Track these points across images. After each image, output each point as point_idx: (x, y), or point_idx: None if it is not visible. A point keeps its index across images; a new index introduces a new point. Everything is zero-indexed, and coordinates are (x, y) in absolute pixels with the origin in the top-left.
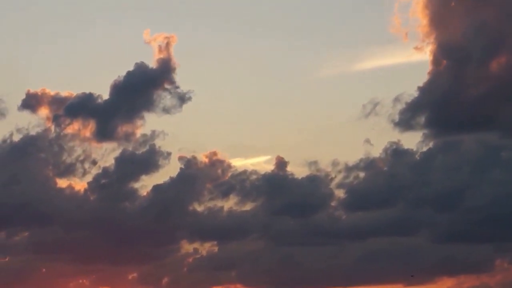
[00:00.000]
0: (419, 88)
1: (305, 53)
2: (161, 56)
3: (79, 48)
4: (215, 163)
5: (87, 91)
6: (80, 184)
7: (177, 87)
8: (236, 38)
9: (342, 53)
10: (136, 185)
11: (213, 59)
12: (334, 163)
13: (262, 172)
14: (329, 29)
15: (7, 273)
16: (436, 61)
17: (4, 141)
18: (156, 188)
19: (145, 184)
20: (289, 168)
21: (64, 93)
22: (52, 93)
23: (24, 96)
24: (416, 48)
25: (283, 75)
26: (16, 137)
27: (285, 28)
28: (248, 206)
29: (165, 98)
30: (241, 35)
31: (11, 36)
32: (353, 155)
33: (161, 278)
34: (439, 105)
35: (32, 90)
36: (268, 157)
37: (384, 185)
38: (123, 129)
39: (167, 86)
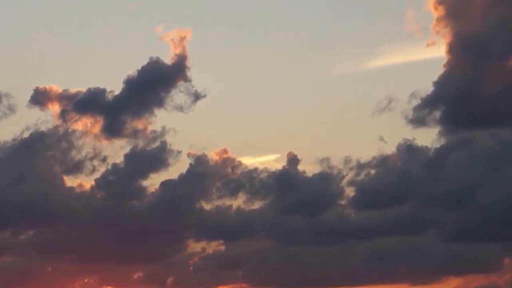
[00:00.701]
0: (434, 83)
1: (318, 50)
2: (175, 52)
3: (92, 44)
4: (225, 161)
5: (98, 86)
6: (87, 182)
7: (191, 84)
8: (250, 34)
9: (356, 50)
10: (145, 182)
11: (227, 56)
12: (347, 160)
13: (272, 170)
14: (342, 27)
15: (12, 272)
16: (451, 55)
17: (15, 139)
18: (164, 185)
19: (153, 182)
20: (300, 165)
21: (74, 90)
22: (62, 89)
23: (33, 92)
24: (431, 43)
25: (297, 72)
26: (25, 134)
27: (299, 25)
28: (257, 205)
29: (178, 95)
30: (255, 32)
31: (21, 31)
32: (366, 152)
33: (166, 278)
34: (454, 100)
35: (41, 86)
36: (278, 155)
37: (395, 183)
38: (133, 125)
39: (180, 82)
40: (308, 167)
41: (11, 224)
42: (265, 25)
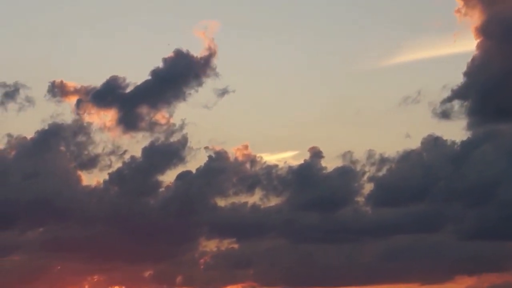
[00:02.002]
0: (463, 75)
1: (345, 44)
2: (201, 44)
3: (117, 36)
4: (243, 157)
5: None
6: (101, 177)
7: (215, 78)
8: (274, 30)
9: (381, 45)
10: (161, 177)
11: (252, 51)
12: (370, 155)
13: (290, 167)
14: (367, 20)
15: (20, 271)
16: (481, 45)
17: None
18: (179, 179)
19: (169, 178)
20: (323, 160)
21: (94, 83)
22: (82, 82)
23: (51, 85)
24: (458, 33)
25: (324, 66)
26: (43, 126)
27: (325, 19)
28: (273, 202)
29: (201, 89)
30: (279, 28)
31: (43, 24)
32: (391, 147)
33: (176, 276)
34: (481, 93)
35: (59, 79)
36: (297, 151)
37: (417, 179)
38: (153, 118)
39: (204, 76)
40: (331, 162)
41: (21, 221)
42: (288, 20)
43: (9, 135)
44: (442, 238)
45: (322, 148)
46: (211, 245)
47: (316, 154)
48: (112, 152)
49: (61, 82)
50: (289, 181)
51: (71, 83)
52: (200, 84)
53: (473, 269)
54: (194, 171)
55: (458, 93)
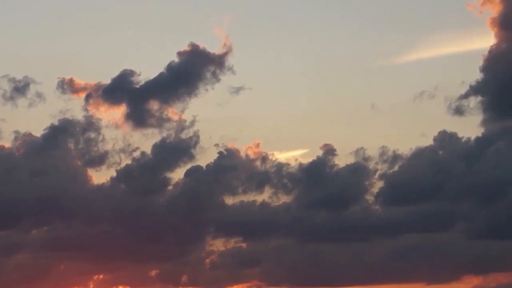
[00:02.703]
0: (480, 71)
1: (361, 40)
2: (217, 40)
3: (131, 31)
4: (254, 155)
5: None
6: (108, 174)
7: (229, 74)
8: (290, 26)
9: (398, 40)
10: (171, 175)
11: (266, 48)
12: (383, 152)
13: (302, 164)
14: (383, 16)
15: (25, 270)
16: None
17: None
18: (188, 175)
19: (179, 175)
20: (335, 157)
21: (105, 79)
22: (93, 78)
23: (61, 81)
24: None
25: (338, 63)
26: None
27: (340, 15)
28: (282, 200)
29: (214, 85)
30: (295, 25)
31: (55, 19)
32: (404, 143)
33: (182, 276)
34: (497, 89)
35: (69, 75)
36: (308, 149)
37: (429, 176)
38: (163, 114)
39: (218, 72)
40: (343, 159)
41: (26, 220)
42: (303, 17)
43: (17, 132)
44: (452, 237)
45: (336, 145)
46: (217, 244)
47: (329, 151)
48: (122, 149)
49: (71, 78)
50: (299, 179)
51: (82, 78)
52: (213, 80)
53: (481, 268)
54: (203, 168)
55: (475, 89)
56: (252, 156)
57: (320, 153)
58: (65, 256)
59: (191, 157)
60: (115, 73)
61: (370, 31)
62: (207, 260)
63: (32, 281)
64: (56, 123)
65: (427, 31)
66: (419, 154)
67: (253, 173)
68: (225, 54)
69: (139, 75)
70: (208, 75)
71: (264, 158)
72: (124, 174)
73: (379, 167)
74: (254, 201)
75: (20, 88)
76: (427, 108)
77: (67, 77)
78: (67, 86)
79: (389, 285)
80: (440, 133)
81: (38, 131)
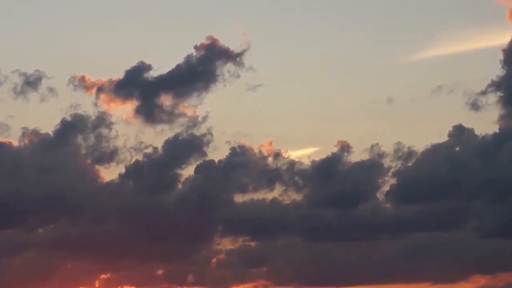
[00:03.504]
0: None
1: (378, 36)
2: (234, 35)
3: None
4: (267, 152)
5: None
6: (117, 171)
7: (245, 71)
8: (307, 23)
9: (417, 36)
10: (181, 172)
11: (284, 44)
12: (398, 148)
13: (314, 161)
14: (400, 12)
15: (30, 269)
16: None
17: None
18: (198, 175)
19: (189, 172)
20: (349, 154)
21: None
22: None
23: (72, 77)
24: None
25: (356, 59)
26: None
27: (356, 10)
28: (292, 198)
29: (229, 80)
30: (312, 20)
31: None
32: (420, 139)
33: (188, 275)
34: None
35: (81, 71)
36: (323, 146)
37: (443, 173)
38: (176, 110)
39: (234, 67)
40: (358, 156)
41: (32, 218)
42: (319, 13)
43: (25, 128)
44: (462, 236)
45: (351, 142)
46: (225, 243)
47: (344, 148)
48: (132, 145)
49: (83, 75)
50: (310, 176)
51: (95, 73)
52: (228, 76)
53: (490, 268)
54: (214, 165)
55: (496, 85)
56: (264, 153)
57: (334, 150)
58: (71, 255)
59: (203, 153)
60: (129, 67)
61: (388, 28)
62: (214, 260)
63: (37, 280)
64: (67, 118)
65: (446, 27)
66: (434, 150)
67: (265, 171)
68: (242, 50)
69: (153, 69)
70: (223, 70)
71: (277, 156)
72: (133, 171)
73: (393, 164)
74: (263, 199)
75: (31, 83)
76: (444, 104)
77: (80, 72)
78: (79, 82)
79: (395, 284)
80: (456, 129)
81: (47, 127)
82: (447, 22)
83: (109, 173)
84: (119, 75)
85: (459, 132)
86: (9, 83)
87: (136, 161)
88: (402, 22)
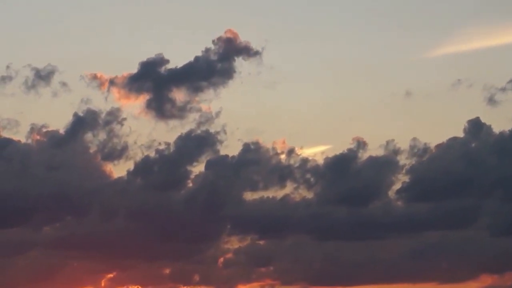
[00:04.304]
0: None
1: (396, 32)
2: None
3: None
4: (280, 149)
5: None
6: (126, 167)
7: (260, 67)
8: (323, 21)
9: (435, 32)
10: (192, 169)
11: (300, 40)
12: (414, 144)
13: (327, 159)
14: (418, 8)
15: (36, 268)
16: None
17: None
18: (209, 171)
19: (200, 169)
20: (365, 150)
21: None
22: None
23: (84, 71)
24: None
25: (373, 56)
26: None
27: (374, 7)
28: (303, 196)
29: (244, 76)
30: (329, 18)
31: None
32: (436, 135)
33: (195, 274)
34: None
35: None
36: (336, 144)
37: (458, 169)
38: (190, 105)
39: (249, 63)
40: (373, 152)
41: (38, 216)
42: (335, 10)
43: (34, 124)
44: (474, 235)
45: (367, 138)
46: (232, 242)
47: (360, 144)
48: (144, 141)
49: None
50: (322, 174)
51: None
52: (243, 72)
53: (499, 267)
54: (226, 161)
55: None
56: (277, 150)
57: (348, 147)
58: (76, 254)
59: (215, 150)
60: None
61: (406, 25)
62: (221, 259)
63: (43, 279)
64: (79, 113)
65: (468, 23)
66: (450, 146)
67: (276, 168)
68: (261, 47)
69: (168, 62)
70: (240, 66)
71: (290, 153)
72: (142, 168)
73: (407, 161)
74: (274, 197)
75: (43, 77)
76: (462, 99)
77: (93, 67)
78: (92, 77)
79: (402, 284)
80: (473, 125)
81: (57, 123)
82: (469, 18)
83: (119, 170)
84: (133, 69)
85: (476, 128)
86: (21, 77)
87: (145, 157)
88: (423, 18)
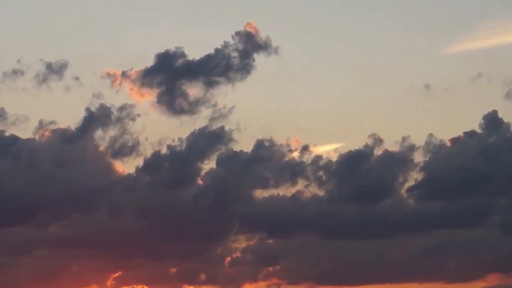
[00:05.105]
0: None
1: (413, 28)
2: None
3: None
4: (293, 146)
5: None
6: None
7: (276, 63)
8: (342, 13)
9: (451, 29)
10: (202, 165)
11: (316, 36)
12: (429, 141)
13: (340, 155)
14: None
15: (42, 267)
16: None
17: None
18: (220, 167)
19: (210, 166)
20: (380, 147)
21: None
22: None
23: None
24: None
25: (391, 52)
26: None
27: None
28: (314, 194)
29: (259, 72)
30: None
31: None
32: (452, 132)
33: (201, 274)
34: None
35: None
36: (350, 142)
37: (474, 166)
38: (203, 100)
39: (267, 58)
40: (389, 149)
41: (43, 215)
42: (352, 5)
43: (43, 121)
44: (484, 233)
45: (383, 135)
46: (240, 240)
47: (375, 140)
48: (156, 136)
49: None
50: (334, 171)
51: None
52: (258, 68)
53: (509, 266)
54: (237, 157)
55: None
56: (291, 147)
57: (363, 144)
58: (82, 253)
59: (228, 146)
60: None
61: (425, 21)
62: (228, 258)
63: (48, 278)
64: (91, 109)
65: (483, 19)
66: (467, 142)
67: (288, 165)
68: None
69: (184, 56)
70: (257, 63)
71: (303, 150)
72: (152, 164)
73: (422, 158)
74: (284, 195)
75: (55, 72)
76: (481, 94)
77: (105, 61)
78: (104, 72)
79: (409, 283)
80: (490, 120)
81: (67, 119)
82: (487, 13)
83: (129, 167)
84: (148, 64)
85: (493, 124)
86: (32, 71)
87: (155, 153)
88: (442, 14)
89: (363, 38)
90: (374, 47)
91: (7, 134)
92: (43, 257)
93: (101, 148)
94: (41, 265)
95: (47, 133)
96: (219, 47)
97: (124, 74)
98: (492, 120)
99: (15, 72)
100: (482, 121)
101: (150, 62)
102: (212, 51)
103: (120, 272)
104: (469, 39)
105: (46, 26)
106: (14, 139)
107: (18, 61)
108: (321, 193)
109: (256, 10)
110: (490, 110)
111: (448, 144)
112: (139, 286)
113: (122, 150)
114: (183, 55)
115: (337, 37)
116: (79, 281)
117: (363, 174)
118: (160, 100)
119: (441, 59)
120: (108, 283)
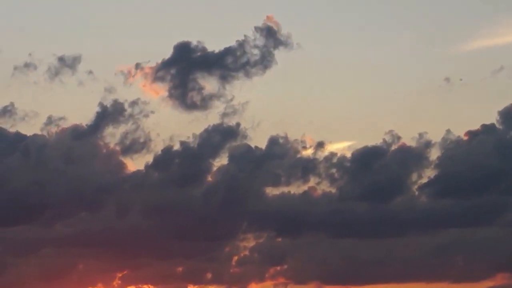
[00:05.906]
0: None
1: (429, 25)
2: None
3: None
4: (306, 144)
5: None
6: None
7: (292, 59)
8: (358, 10)
9: (457, 28)
10: (214, 162)
11: (333, 34)
12: (446, 138)
13: (354, 153)
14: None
15: (48, 267)
16: None
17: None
18: (231, 164)
19: (222, 162)
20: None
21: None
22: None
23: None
24: None
25: (406, 48)
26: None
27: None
28: (325, 192)
29: (274, 68)
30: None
31: None
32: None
33: (207, 273)
34: None
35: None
36: (366, 138)
37: (490, 163)
38: (216, 95)
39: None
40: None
41: (49, 213)
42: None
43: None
44: (494, 232)
45: (400, 131)
46: (248, 239)
47: (393, 137)
48: (167, 134)
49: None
50: (346, 168)
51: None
52: (273, 64)
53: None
54: (250, 153)
55: None
56: (305, 144)
57: (380, 140)
58: (89, 252)
59: (241, 141)
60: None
61: (442, 17)
62: (235, 257)
63: (54, 278)
64: (102, 105)
65: (502, 14)
66: (483, 139)
67: (301, 162)
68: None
69: (202, 49)
70: (276, 58)
71: (318, 147)
72: (161, 161)
73: (437, 155)
74: (295, 193)
75: (67, 67)
76: (499, 88)
77: (119, 56)
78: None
79: (416, 283)
80: (508, 116)
81: (77, 116)
82: (506, 9)
83: (139, 163)
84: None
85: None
86: (44, 65)
87: (165, 149)
88: (460, 9)
89: (381, 35)
90: (393, 44)
91: (15, 130)
92: (49, 256)
93: (111, 145)
94: (47, 264)
95: (56, 129)
96: (240, 40)
97: (138, 66)
98: (509, 115)
99: (27, 65)
100: (498, 117)
101: (167, 55)
102: (233, 43)
103: (126, 272)
104: (487, 34)
105: (59, 19)
106: (22, 136)
107: (30, 54)
108: (332, 190)
109: (278, 3)
110: (508, 104)
111: (465, 138)
112: (145, 286)
113: (133, 147)
114: (202, 48)
115: (355, 34)
116: (85, 280)
117: (375, 171)
118: (173, 95)
119: (459, 55)
120: (114, 283)
